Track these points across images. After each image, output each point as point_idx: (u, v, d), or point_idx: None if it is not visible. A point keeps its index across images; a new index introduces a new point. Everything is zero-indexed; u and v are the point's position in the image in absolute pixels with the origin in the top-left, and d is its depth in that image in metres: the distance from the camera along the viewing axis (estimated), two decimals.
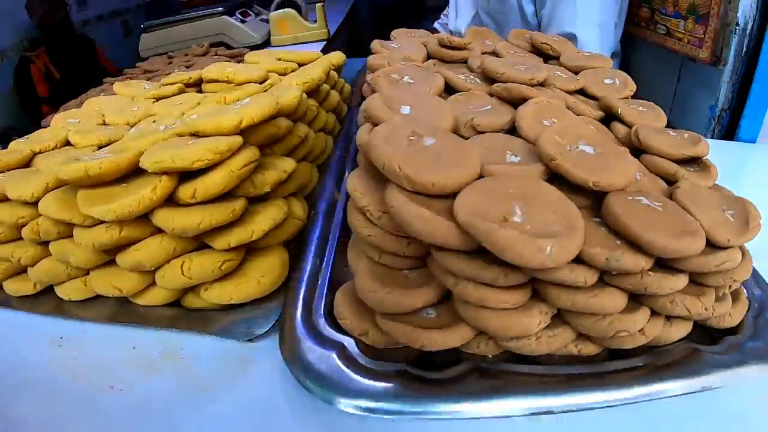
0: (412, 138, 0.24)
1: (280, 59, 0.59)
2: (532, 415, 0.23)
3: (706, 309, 0.25)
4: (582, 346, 0.25)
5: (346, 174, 0.40)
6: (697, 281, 0.25)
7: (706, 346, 0.26)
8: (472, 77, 0.39)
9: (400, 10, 1.76)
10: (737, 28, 0.55)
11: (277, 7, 1.13)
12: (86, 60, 1.34)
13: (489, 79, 0.39)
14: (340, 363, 0.23)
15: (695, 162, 0.32)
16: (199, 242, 0.28)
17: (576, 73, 0.43)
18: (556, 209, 0.22)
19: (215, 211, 0.26)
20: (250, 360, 0.27)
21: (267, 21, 1.20)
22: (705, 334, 0.27)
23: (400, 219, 0.20)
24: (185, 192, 0.26)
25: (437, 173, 0.21)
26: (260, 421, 0.25)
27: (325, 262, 0.31)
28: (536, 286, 0.23)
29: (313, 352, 0.24)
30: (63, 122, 0.48)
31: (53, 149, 0.43)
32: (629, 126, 0.34)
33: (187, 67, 0.84)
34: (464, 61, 0.45)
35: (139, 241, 0.28)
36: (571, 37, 0.71)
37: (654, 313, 0.25)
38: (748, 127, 0.58)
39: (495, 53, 0.46)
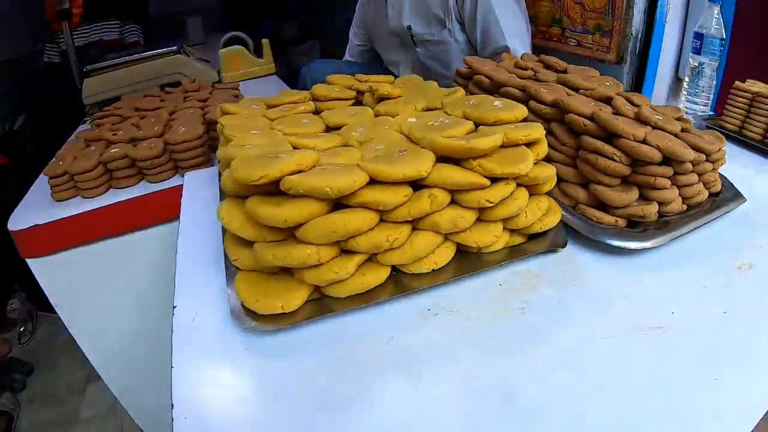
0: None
1: (365, 81, 0.84)
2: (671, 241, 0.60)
3: (717, 179, 0.67)
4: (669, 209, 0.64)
5: None
6: (713, 167, 0.66)
7: (717, 199, 0.67)
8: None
9: None
10: (632, 36, 1.06)
11: (225, 45, 1.30)
12: None
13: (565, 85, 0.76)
14: (626, 232, 0.56)
15: (680, 119, 0.75)
16: None
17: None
18: (672, 138, 0.59)
19: (552, 168, 0.52)
20: (568, 258, 0.54)
21: (204, 60, 1.35)
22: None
23: (640, 152, 0.54)
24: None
25: (639, 131, 0.57)
26: (615, 275, 0.52)
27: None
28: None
29: (610, 232, 0.56)
30: (245, 137, 0.57)
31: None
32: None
33: (203, 100, 0.97)
34: (533, 77, 0.81)
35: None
36: (505, 49, 1.15)
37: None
38: None
39: (525, 68, 0.84)
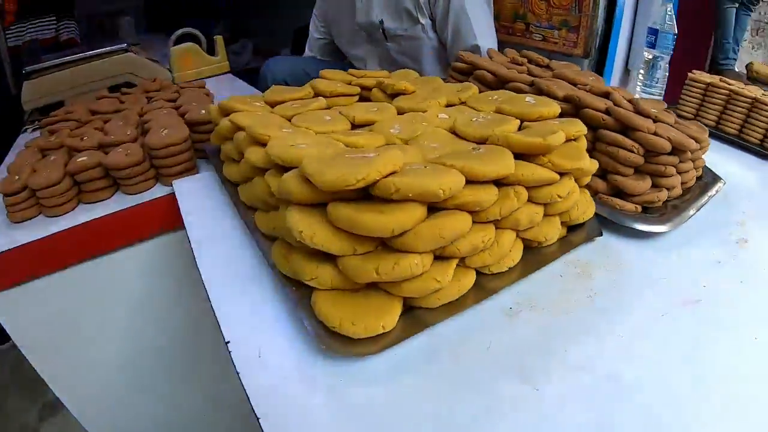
0: None
1: (362, 76, 0.84)
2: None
3: (701, 165, 0.77)
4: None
5: None
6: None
7: (700, 182, 0.78)
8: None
9: None
10: (596, 32, 1.18)
11: (177, 42, 1.22)
12: None
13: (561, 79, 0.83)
14: (649, 217, 0.63)
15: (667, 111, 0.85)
16: None
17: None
18: (674, 130, 0.68)
19: (596, 162, 0.57)
20: (604, 245, 0.59)
21: (152, 59, 1.26)
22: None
23: (656, 144, 0.61)
24: None
25: (651, 124, 0.64)
26: (646, 257, 0.58)
27: None
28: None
29: (636, 218, 0.62)
30: (285, 136, 0.54)
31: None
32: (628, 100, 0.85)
33: (171, 100, 0.92)
34: (526, 74, 0.87)
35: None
36: (476, 48, 1.22)
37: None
38: None
39: (520, 63, 0.90)
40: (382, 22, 1.22)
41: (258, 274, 0.55)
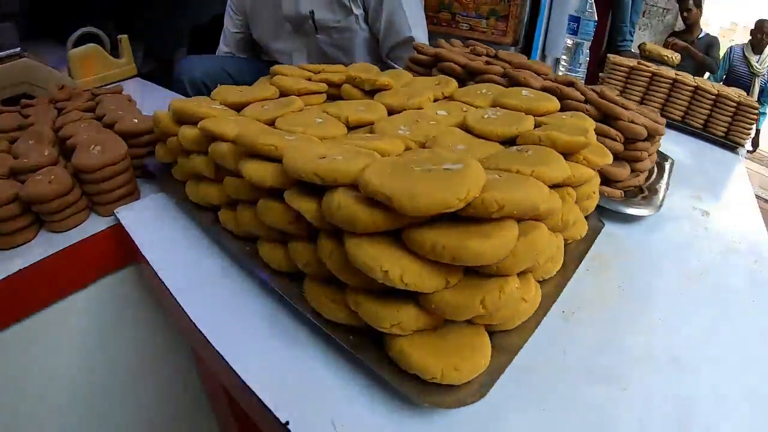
0: None
1: (321, 71, 0.78)
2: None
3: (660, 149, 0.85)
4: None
5: None
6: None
7: (657, 162, 0.86)
8: None
9: None
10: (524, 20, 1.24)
11: (76, 44, 1.03)
12: None
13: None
14: (637, 202, 0.67)
15: None
16: None
17: (508, 62, 0.95)
18: (642, 117, 0.74)
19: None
20: (606, 232, 0.60)
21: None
22: None
23: (635, 131, 0.66)
24: None
25: (628, 112, 0.69)
26: (642, 240, 0.63)
27: None
28: None
29: (626, 204, 0.67)
30: (297, 146, 0.47)
31: None
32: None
33: (89, 110, 0.77)
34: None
35: None
36: (410, 39, 1.22)
37: None
38: None
39: (479, 54, 0.92)
40: (312, 13, 1.15)
41: (281, 323, 0.47)
